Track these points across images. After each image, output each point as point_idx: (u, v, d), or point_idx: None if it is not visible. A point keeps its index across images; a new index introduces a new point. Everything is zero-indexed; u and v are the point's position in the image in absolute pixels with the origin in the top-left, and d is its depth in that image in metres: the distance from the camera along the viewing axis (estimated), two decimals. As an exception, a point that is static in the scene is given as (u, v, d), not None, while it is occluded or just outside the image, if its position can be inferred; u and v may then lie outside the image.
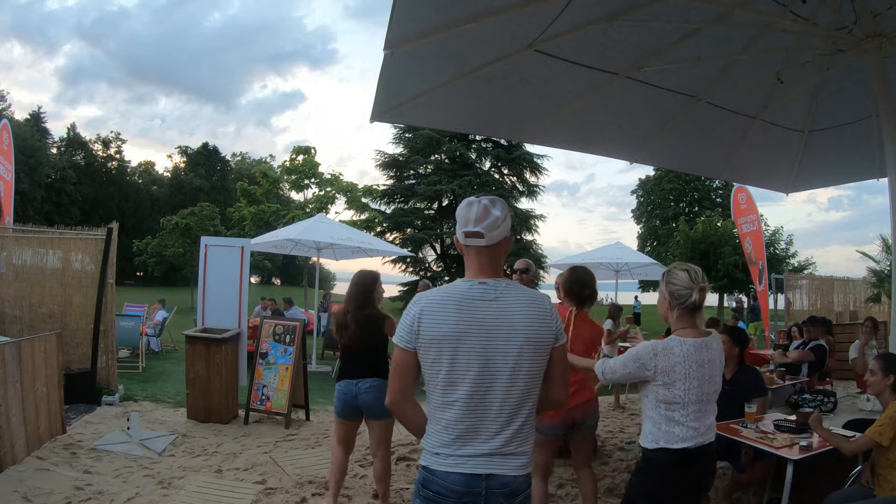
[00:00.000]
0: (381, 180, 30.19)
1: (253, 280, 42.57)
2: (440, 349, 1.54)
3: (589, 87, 4.11)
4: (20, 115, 49.01)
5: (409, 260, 27.16)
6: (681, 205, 35.48)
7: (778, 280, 12.59)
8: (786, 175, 5.77)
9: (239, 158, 69.53)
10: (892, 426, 2.69)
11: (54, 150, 51.09)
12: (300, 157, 25.11)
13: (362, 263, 12.40)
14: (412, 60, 3.45)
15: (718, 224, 24.90)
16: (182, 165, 61.99)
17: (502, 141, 26.00)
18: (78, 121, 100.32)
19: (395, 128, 27.68)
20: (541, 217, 29.18)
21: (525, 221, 28.38)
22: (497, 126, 5.40)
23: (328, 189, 25.23)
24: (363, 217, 25.38)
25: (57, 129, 69.33)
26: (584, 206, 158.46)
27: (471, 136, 26.10)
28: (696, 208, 34.35)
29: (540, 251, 28.70)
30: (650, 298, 29.54)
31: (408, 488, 3.93)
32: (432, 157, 28.01)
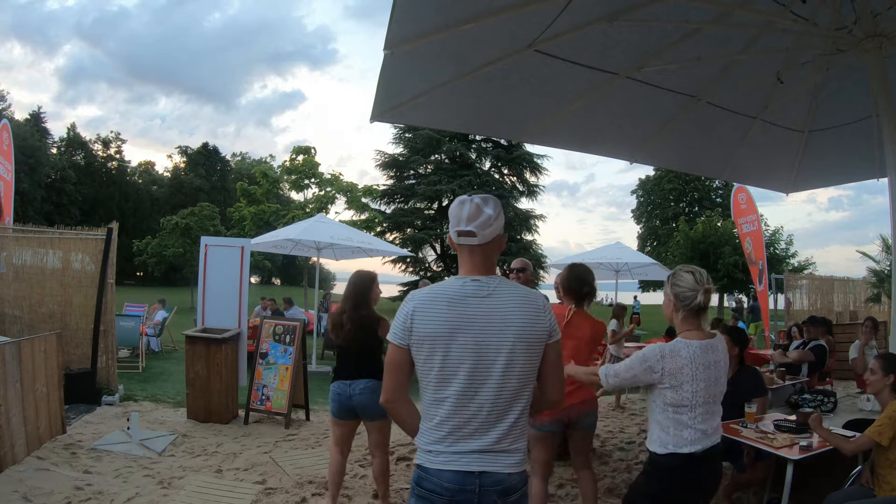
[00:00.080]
0: (381, 180, 30.22)
1: (253, 280, 42.57)
2: (433, 346, 1.55)
3: (589, 87, 4.10)
4: (20, 115, 49.11)
5: (409, 260, 27.16)
6: (681, 205, 35.50)
7: (778, 280, 12.59)
8: (786, 175, 5.77)
9: (239, 158, 69.57)
10: (891, 426, 2.69)
11: (54, 150, 51.11)
12: (300, 157, 25.10)
13: (362, 263, 12.39)
14: (412, 60, 3.45)
15: (718, 224, 24.92)
16: (182, 165, 62.01)
17: (502, 141, 25.99)
18: (78, 121, 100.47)
19: (395, 128, 27.69)
20: (541, 217, 29.20)
21: (525, 221, 28.38)
22: (497, 126, 5.39)
23: (328, 189, 25.22)
24: (363, 217, 25.38)
25: (57, 129, 69.43)
26: (584, 206, 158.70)
27: (471, 136, 26.09)
28: (696, 208, 34.37)
29: (540, 251, 28.69)
30: (649, 298, 29.60)
31: (408, 488, 3.92)
32: (432, 157, 28.01)
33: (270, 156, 68.57)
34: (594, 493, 3.17)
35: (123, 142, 58.66)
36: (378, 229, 25.45)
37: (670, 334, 7.50)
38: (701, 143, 5.26)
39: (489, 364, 1.54)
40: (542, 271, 25.23)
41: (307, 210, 23.29)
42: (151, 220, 48.80)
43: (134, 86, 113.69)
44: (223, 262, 6.26)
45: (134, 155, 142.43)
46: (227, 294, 6.22)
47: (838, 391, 5.98)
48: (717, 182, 32.11)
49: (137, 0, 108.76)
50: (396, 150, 28.42)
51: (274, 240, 9.91)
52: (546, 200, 58.73)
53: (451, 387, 1.54)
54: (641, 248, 33.34)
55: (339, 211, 25.63)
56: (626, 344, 7.60)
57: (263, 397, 5.66)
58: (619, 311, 7.59)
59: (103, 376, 6.25)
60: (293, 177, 25.47)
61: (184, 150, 62.74)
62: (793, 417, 3.58)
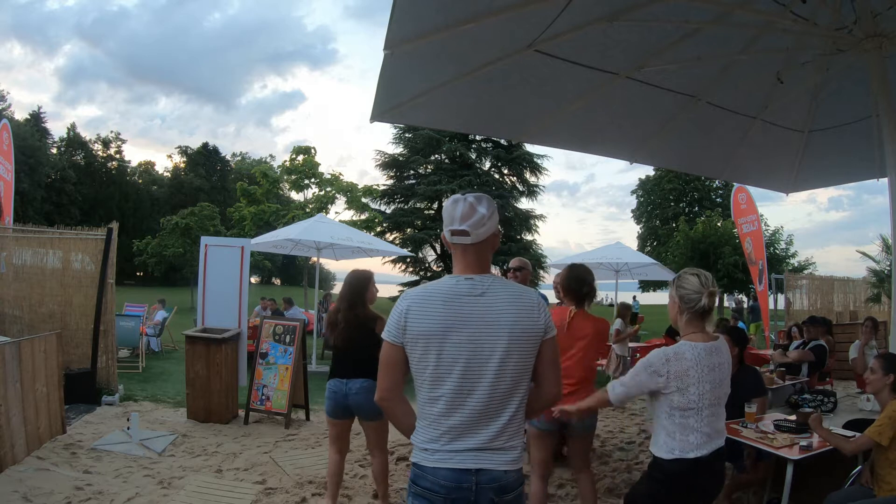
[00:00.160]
0: (381, 180, 30.21)
1: (253, 280, 42.59)
2: (427, 344, 1.55)
3: (589, 87, 4.10)
4: (20, 115, 49.14)
5: (409, 260, 27.15)
6: (681, 205, 35.50)
7: (778, 280, 12.59)
8: (786, 175, 5.76)
9: (239, 158, 69.59)
10: (891, 426, 2.69)
11: (54, 150, 51.12)
12: (300, 157, 25.08)
13: (362, 263, 12.39)
14: (412, 60, 3.45)
15: (718, 224, 24.91)
16: (182, 165, 62.02)
17: (502, 141, 25.98)
18: (78, 121, 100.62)
19: (395, 128, 27.68)
20: (541, 217, 29.19)
21: (525, 221, 28.37)
22: (497, 126, 5.39)
23: (328, 189, 25.20)
24: (363, 217, 25.36)
25: (57, 129, 69.52)
26: (584, 206, 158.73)
27: (471, 136, 26.08)
28: (696, 208, 34.37)
29: (540, 251, 28.68)
30: (649, 298, 29.61)
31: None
32: (432, 157, 28.00)
33: (270, 156, 68.72)
34: (593, 494, 3.17)
35: (123, 142, 58.78)
36: (378, 229, 25.44)
37: (670, 334, 7.51)
38: (701, 143, 5.25)
39: (484, 362, 1.54)
40: (542, 271, 25.22)
41: (307, 210, 23.28)
42: (151, 220, 48.82)
43: (134, 86, 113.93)
44: (223, 262, 6.27)
45: (134, 155, 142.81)
46: (227, 294, 6.22)
47: (838, 391, 5.98)
48: (717, 182, 32.12)
49: (137, 0, 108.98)
50: (396, 150, 28.44)
51: (274, 240, 9.91)
52: (546, 200, 58.83)
53: (445, 385, 1.54)
54: (641, 248, 33.34)
55: (339, 211, 25.66)
56: (631, 344, 7.60)
57: (263, 397, 5.66)
58: (624, 310, 7.59)
59: (103, 376, 6.25)
60: (293, 177, 25.46)
61: (184, 150, 62.78)
62: (793, 417, 3.57)
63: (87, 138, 55.82)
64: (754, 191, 11.74)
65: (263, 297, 11.38)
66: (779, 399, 5.18)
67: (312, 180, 25.21)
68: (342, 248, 9.91)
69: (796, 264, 24.46)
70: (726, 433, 2.23)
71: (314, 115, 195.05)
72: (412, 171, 28.42)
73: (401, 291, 26.76)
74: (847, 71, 3.82)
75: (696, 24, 3.49)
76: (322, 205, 24.44)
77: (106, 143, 56.30)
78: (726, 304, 26.52)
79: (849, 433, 3.15)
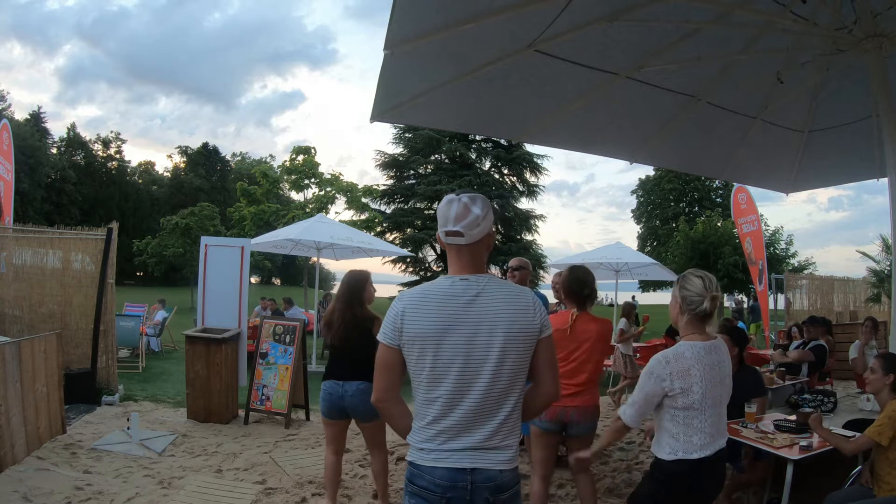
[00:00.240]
0: (381, 180, 30.15)
1: (253, 280, 42.57)
2: (423, 346, 1.55)
3: (589, 87, 4.10)
4: (20, 115, 49.15)
5: (409, 260, 27.13)
6: (681, 205, 35.46)
7: (778, 280, 12.59)
8: (786, 175, 5.77)
9: (239, 158, 69.59)
10: (891, 426, 2.69)
11: (54, 150, 51.13)
12: (300, 157, 25.07)
13: (362, 263, 12.39)
14: (412, 60, 3.45)
15: (718, 224, 24.86)
16: (182, 165, 62.03)
17: (502, 141, 25.96)
18: (78, 121, 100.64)
19: (395, 128, 27.65)
20: (541, 217, 29.12)
21: (525, 221, 28.34)
22: (497, 126, 5.39)
23: (328, 189, 25.19)
24: (363, 217, 25.34)
25: (57, 129, 69.51)
26: (584, 206, 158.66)
27: (471, 136, 26.06)
28: (696, 208, 34.32)
29: (540, 251, 28.63)
30: (648, 298, 29.60)
31: (408, 488, 3.92)
32: (432, 157, 27.97)
33: (270, 156, 68.72)
34: (593, 494, 3.17)
35: (123, 142, 58.80)
36: (378, 229, 25.42)
37: (670, 334, 7.51)
38: (701, 143, 5.26)
39: (480, 362, 1.54)
40: (541, 271, 25.20)
41: (307, 210, 23.27)
42: (151, 220, 48.83)
43: (134, 86, 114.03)
44: (223, 262, 6.26)
45: (134, 155, 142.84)
46: (227, 294, 6.22)
47: (838, 391, 5.98)
48: (717, 182, 32.08)
49: (137, 0, 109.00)
50: (396, 150, 28.40)
51: (274, 240, 9.90)
52: (546, 200, 58.80)
53: (442, 386, 1.55)
54: (641, 248, 33.31)
55: (339, 211, 25.62)
56: (636, 344, 7.59)
57: (263, 397, 5.66)
58: (628, 309, 7.58)
59: (103, 376, 6.25)
60: (293, 177, 25.44)
61: (184, 150, 62.78)
62: (793, 417, 3.57)
63: (87, 138, 55.96)
64: (754, 191, 11.75)
65: (263, 297, 11.38)
66: (779, 399, 5.18)
67: (312, 180, 25.20)
68: (342, 248, 9.91)
69: (796, 264, 24.42)
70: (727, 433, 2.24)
71: (314, 115, 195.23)
72: (412, 171, 28.39)
73: (400, 291, 26.72)
74: (847, 71, 3.82)
75: (696, 24, 3.49)
76: (322, 205, 24.43)
77: (106, 143, 56.35)
78: (726, 304, 26.51)
79: (849, 433, 3.15)
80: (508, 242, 26.42)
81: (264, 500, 3.73)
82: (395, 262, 26.89)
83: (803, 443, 3.10)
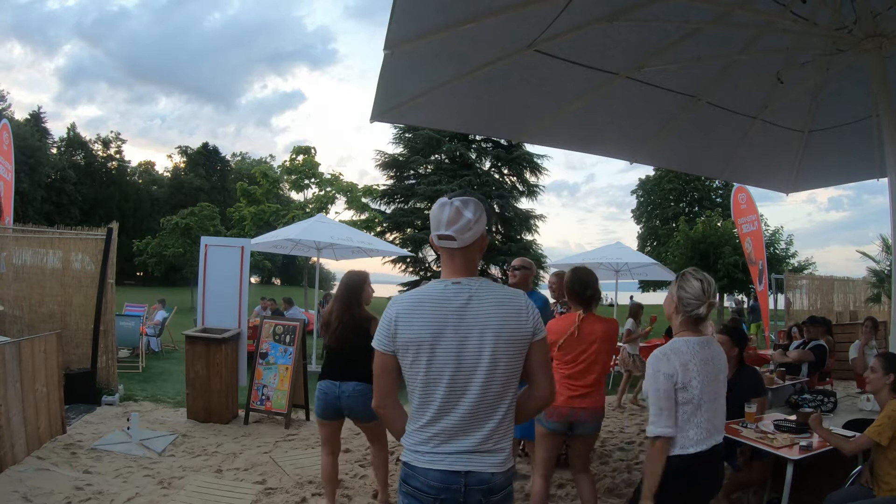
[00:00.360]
0: (381, 180, 30.13)
1: (253, 280, 42.59)
2: (418, 351, 1.56)
3: (589, 87, 4.10)
4: (20, 115, 49.20)
5: (409, 260, 27.12)
6: (681, 205, 35.46)
7: (778, 280, 12.59)
8: (786, 175, 5.77)
9: (239, 158, 69.63)
10: (890, 426, 2.69)
11: (54, 150, 51.16)
12: (300, 157, 25.08)
13: (362, 263, 12.39)
14: (412, 60, 3.45)
15: (718, 224, 24.86)
16: (182, 165, 62.06)
17: (502, 141, 25.95)
18: (78, 121, 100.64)
19: (395, 128, 27.62)
20: (541, 217, 29.07)
21: (525, 221, 28.33)
22: (497, 126, 5.39)
23: (328, 189, 25.20)
24: (363, 217, 25.35)
25: (57, 129, 69.61)
26: (584, 206, 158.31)
27: (471, 136, 26.05)
28: (696, 208, 34.33)
29: (540, 251, 28.62)
30: (648, 298, 29.58)
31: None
32: (432, 157, 27.96)
33: (270, 156, 68.76)
34: (593, 495, 3.17)
35: (123, 142, 58.86)
36: (378, 229, 25.42)
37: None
38: (701, 143, 5.26)
39: (473, 366, 1.54)
40: (542, 271, 25.20)
41: (307, 210, 23.28)
42: (151, 220, 48.87)
43: (134, 86, 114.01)
44: (223, 262, 6.27)
45: (134, 155, 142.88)
46: (227, 294, 6.22)
47: (838, 391, 5.98)
48: (717, 182, 32.08)
49: (137, 0, 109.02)
50: (396, 150, 28.37)
51: (274, 240, 9.90)
52: (546, 200, 58.74)
53: (437, 390, 1.55)
54: (641, 248, 33.32)
55: (339, 211, 25.63)
56: (643, 344, 7.57)
57: (263, 397, 5.66)
58: (636, 309, 7.58)
59: (103, 376, 6.25)
60: (293, 177, 25.45)
61: (184, 150, 62.82)
62: (793, 417, 3.57)
63: (87, 138, 56.03)
64: (754, 191, 11.75)
65: (263, 297, 11.37)
66: (779, 399, 5.18)
67: (312, 180, 25.21)
68: (342, 248, 9.91)
69: (796, 264, 24.43)
70: (726, 433, 2.23)
71: (314, 115, 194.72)
72: (412, 171, 28.38)
73: (400, 291, 26.71)
74: (847, 71, 3.82)
75: (696, 24, 3.49)
76: (322, 205, 24.44)
77: (106, 143, 56.39)
78: (726, 304, 26.51)
79: (849, 433, 3.15)
80: (508, 242, 26.41)
81: (264, 500, 3.73)
82: (394, 262, 26.87)
83: (803, 443, 3.10)
